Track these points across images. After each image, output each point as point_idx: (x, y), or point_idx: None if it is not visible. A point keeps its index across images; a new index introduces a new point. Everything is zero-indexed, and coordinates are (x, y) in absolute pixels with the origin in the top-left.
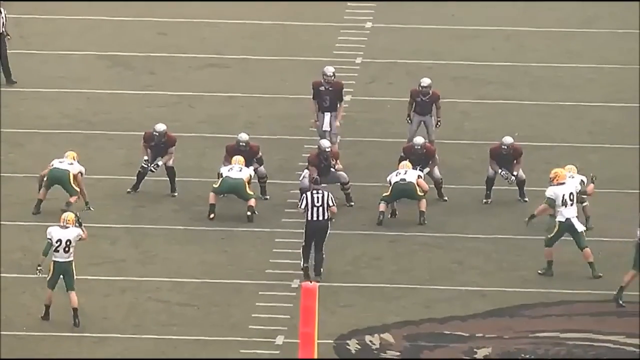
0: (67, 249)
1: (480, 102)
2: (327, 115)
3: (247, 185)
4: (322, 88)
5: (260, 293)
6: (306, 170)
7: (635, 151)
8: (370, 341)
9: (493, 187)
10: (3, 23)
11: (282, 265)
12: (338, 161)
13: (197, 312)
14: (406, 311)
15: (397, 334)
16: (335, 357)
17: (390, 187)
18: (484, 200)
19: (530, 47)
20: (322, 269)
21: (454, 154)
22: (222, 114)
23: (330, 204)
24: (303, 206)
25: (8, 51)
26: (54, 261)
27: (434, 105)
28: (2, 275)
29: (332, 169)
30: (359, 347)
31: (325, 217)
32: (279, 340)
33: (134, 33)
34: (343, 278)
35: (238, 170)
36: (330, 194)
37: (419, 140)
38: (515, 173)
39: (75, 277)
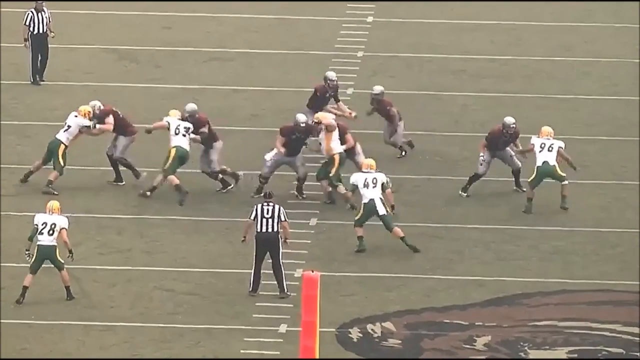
0: (51, 232)
1: (478, 94)
2: None
3: None
4: (328, 95)
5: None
6: (275, 150)
7: (632, 143)
8: (372, 330)
9: (484, 179)
10: (47, 22)
11: (284, 255)
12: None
13: (202, 301)
14: (407, 300)
15: (397, 322)
16: (338, 345)
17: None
18: (462, 193)
19: (527, 41)
20: (285, 285)
21: (453, 146)
22: (226, 106)
23: (282, 218)
24: (252, 217)
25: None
26: (38, 245)
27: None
28: (10, 264)
29: (304, 146)
30: (360, 335)
31: (275, 230)
32: (282, 328)
33: (140, 27)
34: (344, 267)
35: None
36: (282, 208)
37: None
38: (513, 153)
39: (61, 260)
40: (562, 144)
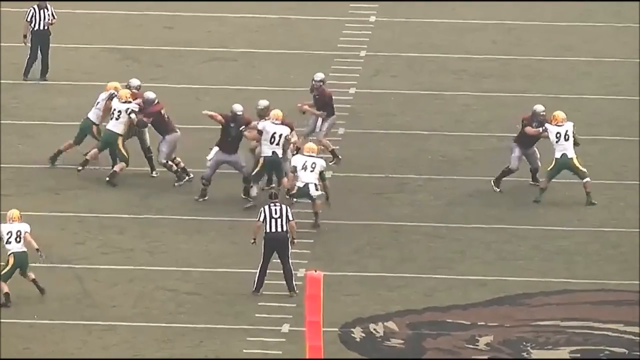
0: (18, 239)
1: (480, 94)
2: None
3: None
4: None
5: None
6: (215, 150)
7: (633, 143)
8: (374, 329)
9: (485, 179)
10: (49, 20)
11: None
12: (295, 133)
13: (204, 300)
14: (409, 300)
15: (400, 322)
16: (340, 345)
17: (296, 189)
18: (493, 185)
19: (528, 41)
20: (294, 283)
21: (455, 145)
22: (228, 106)
23: (290, 218)
24: (262, 219)
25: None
26: (13, 253)
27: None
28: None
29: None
30: (363, 335)
31: (284, 229)
32: (285, 328)
33: (142, 27)
34: (347, 267)
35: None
36: (289, 207)
37: (540, 107)
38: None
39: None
40: (572, 124)
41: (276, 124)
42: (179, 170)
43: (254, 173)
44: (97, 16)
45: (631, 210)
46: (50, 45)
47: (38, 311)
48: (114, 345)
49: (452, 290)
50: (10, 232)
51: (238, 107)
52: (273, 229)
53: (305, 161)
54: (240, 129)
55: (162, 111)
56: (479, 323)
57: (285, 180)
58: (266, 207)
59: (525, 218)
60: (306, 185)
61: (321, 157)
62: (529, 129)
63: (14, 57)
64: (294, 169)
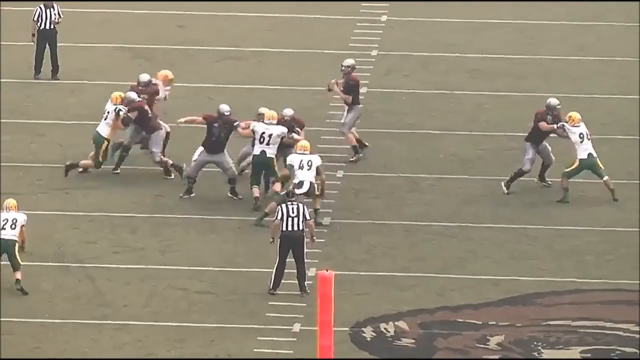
0: (13, 226)
1: (493, 94)
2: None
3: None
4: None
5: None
6: (200, 149)
7: None
8: (385, 329)
9: (498, 179)
10: (55, 19)
11: None
12: (300, 131)
13: (216, 300)
14: (420, 299)
15: (411, 321)
16: (351, 344)
17: (292, 185)
18: (504, 187)
19: (542, 40)
20: (305, 283)
21: (467, 144)
22: (240, 105)
23: (307, 217)
24: (279, 218)
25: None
26: (1, 238)
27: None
28: (24, 263)
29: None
30: (374, 334)
31: (300, 228)
32: (296, 327)
33: (154, 26)
34: (358, 267)
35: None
36: (305, 206)
37: (554, 101)
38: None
39: (19, 259)
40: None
41: (268, 123)
42: (174, 165)
43: (250, 176)
44: (108, 15)
45: None
46: (59, 44)
47: (49, 310)
48: (125, 344)
49: (463, 290)
50: (7, 219)
51: (225, 107)
52: (289, 228)
53: (301, 160)
54: (235, 124)
55: (146, 108)
56: (490, 323)
57: (277, 185)
58: (283, 205)
59: (537, 218)
60: (301, 182)
61: (315, 154)
62: (543, 125)
63: (27, 56)
64: (291, 168)
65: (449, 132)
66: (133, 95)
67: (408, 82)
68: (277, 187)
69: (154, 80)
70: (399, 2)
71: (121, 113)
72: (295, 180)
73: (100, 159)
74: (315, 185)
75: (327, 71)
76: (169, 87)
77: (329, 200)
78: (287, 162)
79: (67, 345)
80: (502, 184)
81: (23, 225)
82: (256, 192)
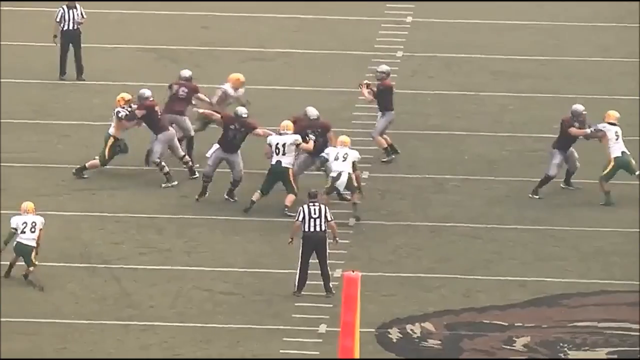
0: (33, 229)
1: (517, 95)
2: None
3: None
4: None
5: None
6: (215, 146)
7: None
8: (411, 330)
9: (523, 180)
10: (79, 20)
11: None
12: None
13: (241, 301)
14: (446, 301)
15: (437, 322)
16: (377, 346)
17: (330, 181)
18: (531, 195)
19: (566, 41)
20: (331, 284)
21: (492, 145)
22: (266, 106)
23: (329, 218)
24: (300, 219)
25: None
26: (18, 242)
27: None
28: (50, 264)
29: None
30: (400, 335)
31: (322, 229)
32: (322, 328)
33: (179, 27)
34: (384, 268)
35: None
36: (327, 207)
37: (580, 107)
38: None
39: (35, 262)
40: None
41: (282, 134)
42: (168, 173)
43: (263, 183)
44: (135, 16)
45: None
46: (83, 44)
47: (76, 311)
48: (151, 345)
49: (489, 291)
50: (25, 222)
51: (242, 110)
52: (311, 229)
53: (337, 152)
54: (255, 131)
55: (157, 108)
56: (516, 324)
57: (290, 197)
58: (305, 206)
59: (562, 219)
60: (339, 174)
61: (354, 149)
62: (574, 130)
63: (52, 58)
64: (326, 160)
65: (474, 133)
66: (147, 92)
67: (433, 84)
68: (289, 200)
69: (225, 87)
70: (424, 2)
71: (120, 114)
72: (333, 174)
73: (106, 157)
74: (353, 177)
75: (352, 72)
76: (242, 90)
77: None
78: (322, 154)
79: (93, 346)
80: (529, 195)
81: (41, 229)
82: (257, 196)
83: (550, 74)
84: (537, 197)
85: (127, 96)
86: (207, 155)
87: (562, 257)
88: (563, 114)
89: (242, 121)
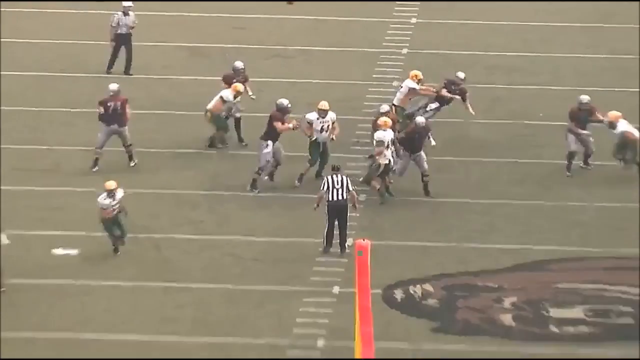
0: (116, 204)
1: (509, 87)
2: None
3: None
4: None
5: (319, 249)
6: (269, 141)
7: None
8: (414, 291)
9: (516, 162)
10: (132, 24)
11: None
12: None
13: (265, 266)
14: (444, 266)
15: (436, 285)
16: (383, 304)
17: (383, 166)
18: (567, 174)
19: (553, 40)
20: (346, 245)
21: (487, 131)
22: (286, 97)
23: (350, 188)
24: (325, 188)
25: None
26: (107, 218)
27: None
28: (99, 234)
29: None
30: (403, 295)
31: (344, 198)
32: (335, 290)
33: (212, 27)
34: (390, 236)
35: None
36: (349, 178)
37: (584, 97)
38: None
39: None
40: None
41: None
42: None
43: (312, 154)
44: (171, 18)
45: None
46: (133, 44)
47: (121, 274)
48: (186, 305)
49: (481, 258)
50: (112, 198)
51: (284, 102)
52: (335, 198)
53: (391, 137)
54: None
55: (111, 104)
56: (505, 286)
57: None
58: (329, 177)
59: (548, 195)
60: (390, 162)
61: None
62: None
63: (104, 55)
64: (381, 143)
65: (472, 120)
66: (113, 86)
67: (436, 78)
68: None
69: (226, 93)
70: (429, 2)
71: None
72: (385, 161)
73: (222, 127)
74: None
75: (361, 67)
76: (239, 98)
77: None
78: (376, 138)
79: (135, 306)
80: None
81: (121, 197)
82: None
83: (538, 69)
84: (570, 174)
85: (240, 87)
86: (263, 152)
87: (546, 229)
88: (549, 104)
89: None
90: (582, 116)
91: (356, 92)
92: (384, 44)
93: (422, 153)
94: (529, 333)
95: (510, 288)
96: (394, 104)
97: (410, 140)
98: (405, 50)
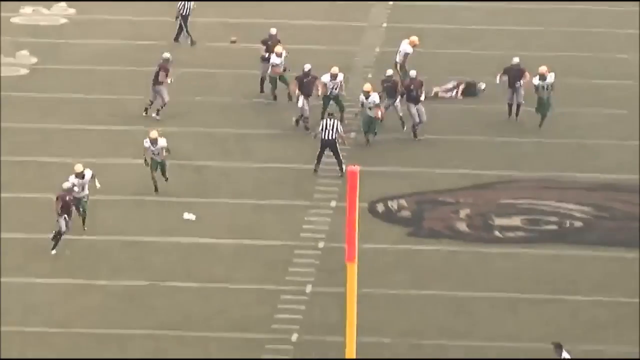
0: (160, 149)
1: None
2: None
3: None
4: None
5: (320, 168)
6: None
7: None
8: (391, 205)
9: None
10: (192, 7)
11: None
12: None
13: (274, 185)
14: (415, 186)
15: (409, 200)
16: (369, 214)
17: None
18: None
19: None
20: (343, 167)
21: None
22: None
23: (339, 130)
24: (320, 129)
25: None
26: (153, 159)
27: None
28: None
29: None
30: (384, 208)
31: (334, 137)
32: (333, 204)
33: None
34: (373, 163)
35: None
36: (339, 122)
37: (515, 59)
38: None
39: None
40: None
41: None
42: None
43: (323, 107)
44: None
45: None
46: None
47: (201, 232)
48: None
49: (445, 179)
50: (155, 144)
51: (307, 66)
52: (326, 137)
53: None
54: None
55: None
56: (461, 201)
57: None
58: (323, 121)
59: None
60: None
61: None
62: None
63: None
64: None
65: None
66: (166, 55)
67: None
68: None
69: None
70: (431, 1)
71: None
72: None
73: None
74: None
75: (362, 63)
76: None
77: (354, 120)
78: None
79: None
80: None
81: (164, 147)
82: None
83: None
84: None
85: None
86: (299, 105)
87: (496, 166)
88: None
89: (308, 75)
90: (511, 75)
91: (357, 61)
92: (359, 43)
93: (421, 106)
94: (479, 237)
95: (465, 202)
96: (397, 62)
97: (409, 92)
98: (378, 49)
